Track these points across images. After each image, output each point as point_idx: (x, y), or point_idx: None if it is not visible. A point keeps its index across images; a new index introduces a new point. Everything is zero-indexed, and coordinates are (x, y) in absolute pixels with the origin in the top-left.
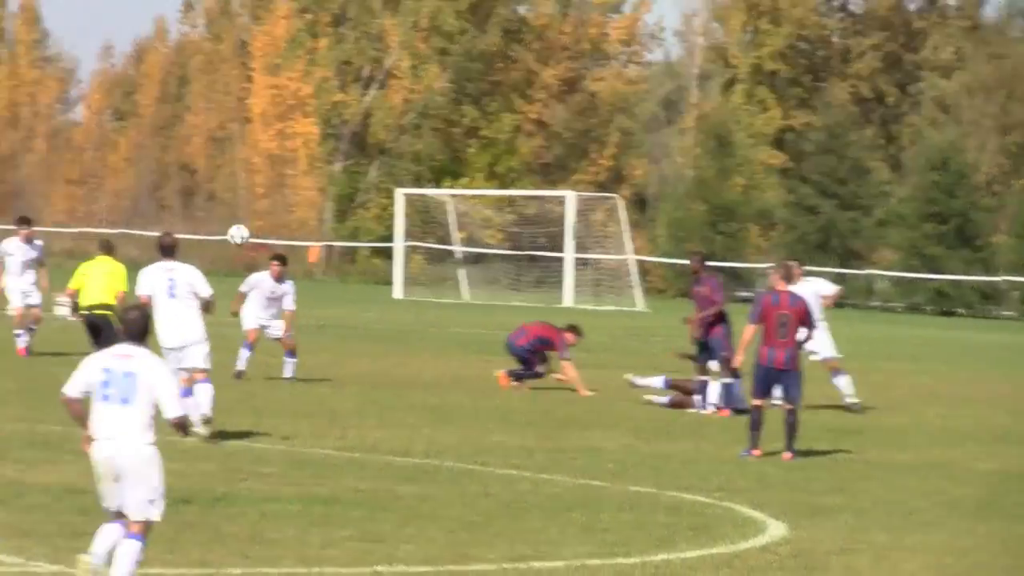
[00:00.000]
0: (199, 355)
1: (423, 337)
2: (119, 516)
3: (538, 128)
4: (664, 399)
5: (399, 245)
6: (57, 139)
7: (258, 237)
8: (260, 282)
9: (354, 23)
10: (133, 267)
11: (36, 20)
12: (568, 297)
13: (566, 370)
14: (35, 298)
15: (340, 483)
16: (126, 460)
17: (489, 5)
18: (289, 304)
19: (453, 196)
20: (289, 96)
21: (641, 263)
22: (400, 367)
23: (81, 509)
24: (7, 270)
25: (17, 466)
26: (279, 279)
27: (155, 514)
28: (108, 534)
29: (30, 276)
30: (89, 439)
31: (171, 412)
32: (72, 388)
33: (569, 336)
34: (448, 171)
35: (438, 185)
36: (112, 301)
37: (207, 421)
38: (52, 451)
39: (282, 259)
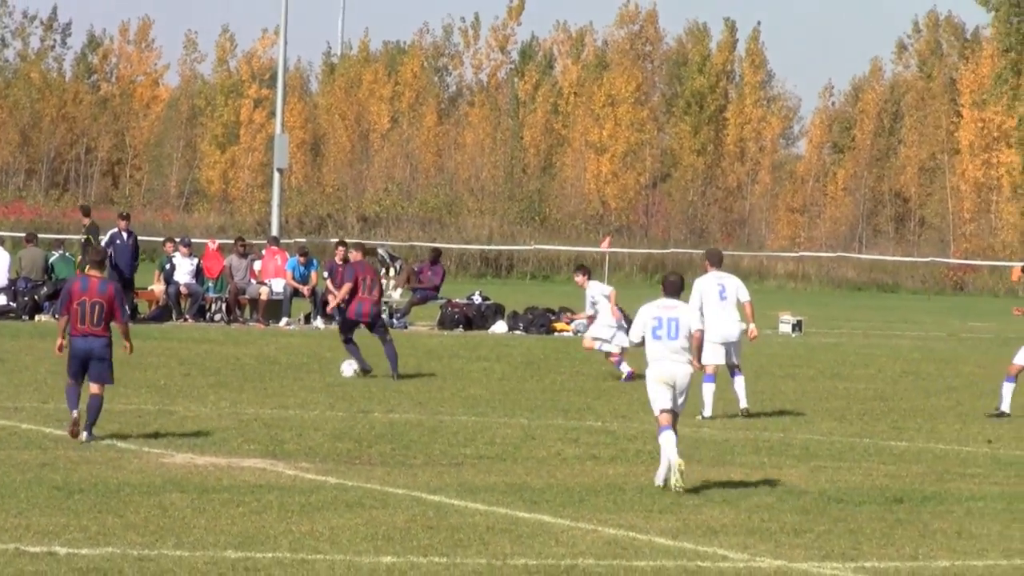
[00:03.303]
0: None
1: None
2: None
3: None
4: None
5: None
6: (780, 172)
7: (965, 259)
8: None
9: None
10: (853, 289)
11: (762, 63)
12: None
13: None
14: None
15: None
16: None
17: None
18: None
19: None
20: (994, 129)
21: None
22: None
23: (802, 509)
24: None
25: (743, 470)
26: None
27: None
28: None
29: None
30: None
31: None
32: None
33: None
34: None
35: None
36: None
37: (745, 413)
38: (776, 455)
39: None
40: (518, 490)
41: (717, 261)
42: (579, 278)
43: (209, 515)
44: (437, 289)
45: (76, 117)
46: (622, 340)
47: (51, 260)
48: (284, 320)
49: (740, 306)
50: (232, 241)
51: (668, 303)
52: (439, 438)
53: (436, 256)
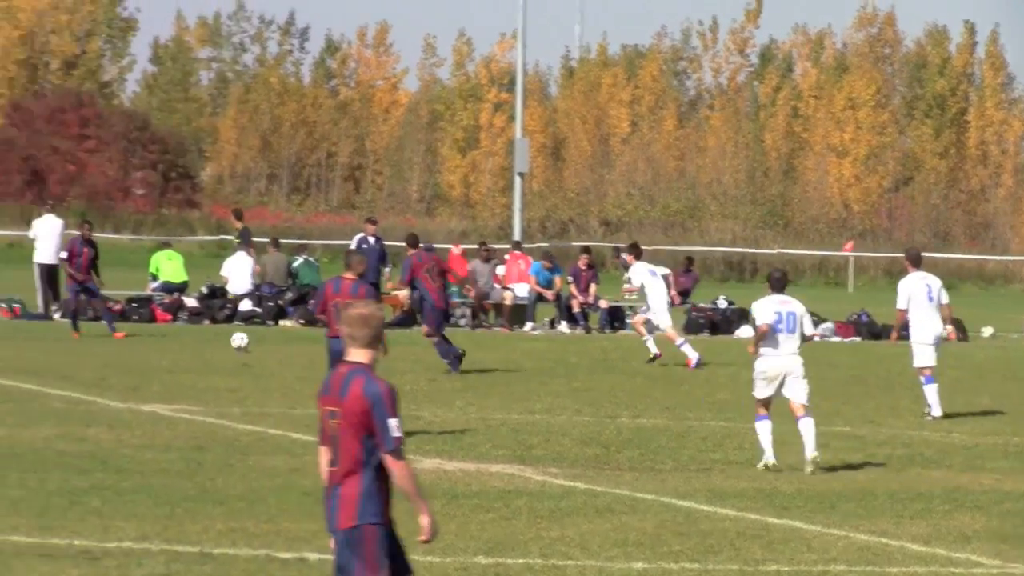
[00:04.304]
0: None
1: None
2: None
3: None
4: None
5: None
6: (1022, 175)
7: None
8: None
9: None
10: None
11: (1002, 65)
12: None
13: None
14: None
15: None
16: None
17: None
18: None
19: None
20: None
21: None
22: None
23: None
24: None
25: (994, 475)
26: None
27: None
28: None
29: None
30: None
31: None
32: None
33: None
34: None
35: None
36: None
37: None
38: None
39: None
40: (768, 496)
41: (917, 261)
42: (628, 256)
43: (459, 521)
44: (687, 294)
45: (316, 122)
46: (666, 322)
47: (294, 265)
48: (529, 325)
49: (940, 308)
50: (475, 246)
51: (782, 298)
52: (687, 443)
53: (690, 263)
